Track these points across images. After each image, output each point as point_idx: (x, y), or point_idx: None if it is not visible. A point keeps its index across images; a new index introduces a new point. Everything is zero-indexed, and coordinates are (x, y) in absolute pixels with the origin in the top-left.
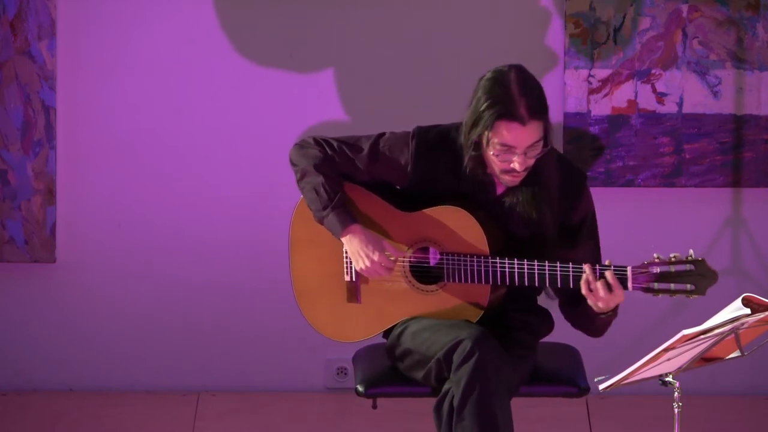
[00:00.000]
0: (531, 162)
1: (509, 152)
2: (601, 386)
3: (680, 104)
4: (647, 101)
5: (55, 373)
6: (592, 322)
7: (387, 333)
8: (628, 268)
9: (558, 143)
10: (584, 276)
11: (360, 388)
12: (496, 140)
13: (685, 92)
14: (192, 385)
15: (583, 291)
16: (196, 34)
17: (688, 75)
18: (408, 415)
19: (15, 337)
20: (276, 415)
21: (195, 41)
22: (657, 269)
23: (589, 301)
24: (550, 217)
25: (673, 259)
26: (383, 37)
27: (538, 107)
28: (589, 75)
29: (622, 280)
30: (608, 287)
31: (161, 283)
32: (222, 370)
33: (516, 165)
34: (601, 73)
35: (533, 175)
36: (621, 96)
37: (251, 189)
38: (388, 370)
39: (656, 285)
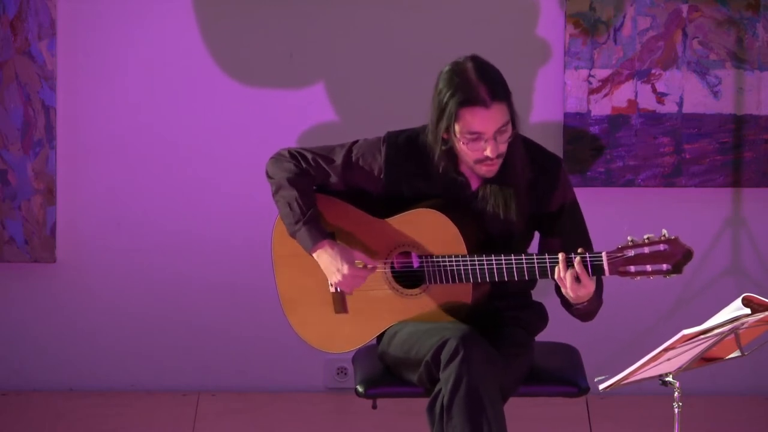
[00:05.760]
0: (503, 148)
1: (479, 139)
2: (601, 386)
3: (680, 104)
4: (647, 101)
5: (55, 373)
6: (571, 311)
7: (379, 337)
8: (603, 254)
9: (558, 143)
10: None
11: (360, 389)
12: (463, 129)
13: (685, 92)
14: (192, 385)
15: (555, 277)
16: (197, 34)
17: (688, 75)
18: (408, 415)
19: (15, 337)
20: (276, 415)
21: (195, 41)
22: (632, 252)
23: (563, 291)
24: (519, 215)
25: (646, 240)
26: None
27: (498, 89)
28: (589, 75)
29: (599, 267)
30: (576, 276)
31: (161, 283)
32: (222, 370)
33: (488, 152)
34: (601, 73)
35: (503, 172)
36: (621, 96)
37: (252, 189)
38: (388, 369)
39: (633, 268)
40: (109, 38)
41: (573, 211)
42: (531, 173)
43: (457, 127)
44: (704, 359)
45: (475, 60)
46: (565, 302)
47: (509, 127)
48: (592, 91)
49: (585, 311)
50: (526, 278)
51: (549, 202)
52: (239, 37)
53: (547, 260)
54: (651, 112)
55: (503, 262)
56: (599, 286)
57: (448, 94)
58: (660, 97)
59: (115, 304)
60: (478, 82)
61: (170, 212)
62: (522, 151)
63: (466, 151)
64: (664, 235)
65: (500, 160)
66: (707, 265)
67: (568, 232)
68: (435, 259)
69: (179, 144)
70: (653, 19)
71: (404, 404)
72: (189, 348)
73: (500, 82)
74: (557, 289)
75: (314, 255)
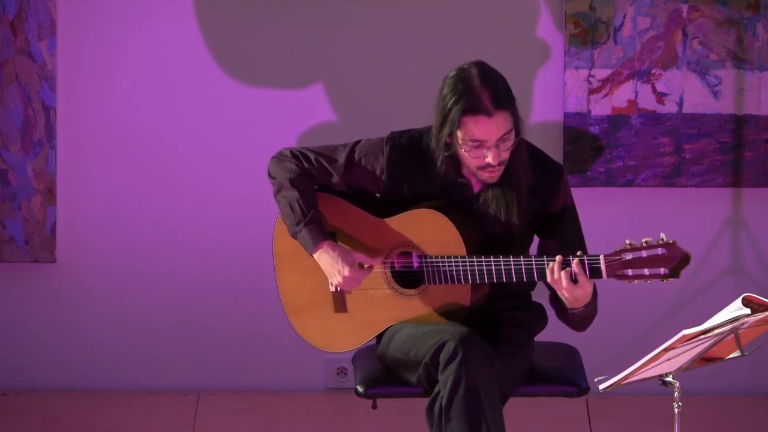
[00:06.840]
0: (506, 155)
1: (481, 147)
2: (601, 386)
3: (680, 104)
4: (647, 101)
5: (55, 373)
6: (566, 317)
7: (378, 338)
8: (601, 257)
9: (558, 143)
10: (551, 265)
11: (360, 389)
12: (466, 137)
13: (685, 92)
14: (192, 385)
15: (548, 280)
16: (198, 34)
17: (688, 75)
18: (408, 415)
19: (15, 337)
20: (276, 415)
21: (196, 41)
22: (629, 255)
23: (559, 294)
24: (520, 219)
25: (644, 244)
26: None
27: (502, 98)
28: (589, 75)
29: (596, 269)
30: (572, 278)
31: (161, 283)
32: (222, 370)
33: (489, 159)
34: (601, 73)
35: (505, 176)
36: (621, 96)
37: (252, 188)
38: (387, 370)
39: (630, 272)
40: (109, 38)
41: (572, 216)
42: (533, 178)
43: (459, 134)
44: (704, 359)
45: (480, 66)
46: (561, 310)
47: (512, 134)
48: (592, 91)
49: (581, 316)
50: (525, 280)
51: (551, 204)
52: (240, 37)
53: (546, 262)
54: (651, 112)
55: (502, 263)
56: (594, 293)
57: (452, 101)
58: (660, 97)
59: (115, 304)
60: (481, 90)
61: (170, 212)
62: (525, 156)
63: (468, 157)
64: (662, 239)
65: (502, 167)
66: (707, 265)
67: (566, 236)
68: (434, 260)
69: (179, 144)
70: (653, 19)
71: (404, 404)
72: (189, 348)
73: (504, 90)
74: (552, 298)
75: (315, 256)
